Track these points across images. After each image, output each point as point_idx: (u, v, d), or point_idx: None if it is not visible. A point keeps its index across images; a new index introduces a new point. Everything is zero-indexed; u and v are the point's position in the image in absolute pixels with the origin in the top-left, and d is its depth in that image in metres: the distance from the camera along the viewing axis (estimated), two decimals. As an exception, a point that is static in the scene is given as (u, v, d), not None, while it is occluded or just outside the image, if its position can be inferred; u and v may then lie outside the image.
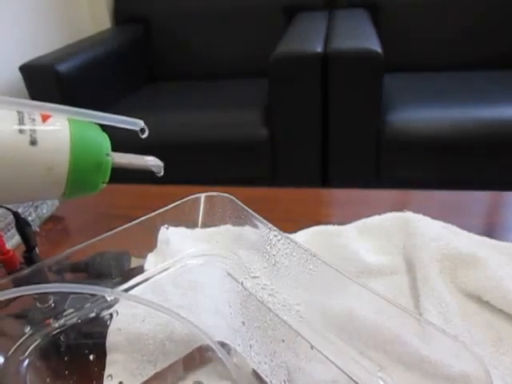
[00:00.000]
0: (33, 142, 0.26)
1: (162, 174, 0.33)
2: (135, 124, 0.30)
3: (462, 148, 1.25)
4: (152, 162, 0.32)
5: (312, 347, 0.29)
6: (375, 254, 0.45)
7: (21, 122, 0.26)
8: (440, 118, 1.27)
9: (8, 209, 0.38)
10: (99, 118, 0.29)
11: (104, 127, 0.30)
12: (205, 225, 0.38)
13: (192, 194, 0.38)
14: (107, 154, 0.29)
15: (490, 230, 0.48)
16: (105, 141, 0.30)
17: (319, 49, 1.25)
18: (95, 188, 0.30)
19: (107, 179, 0.30)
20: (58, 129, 0.27)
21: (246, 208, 0.34)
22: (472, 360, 0.23)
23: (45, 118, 0.27)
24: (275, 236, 0.32)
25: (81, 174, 0.28)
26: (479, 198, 0.56)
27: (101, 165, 0.29)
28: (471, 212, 0.53)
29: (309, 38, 1.37)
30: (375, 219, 0.49)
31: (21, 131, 0.26)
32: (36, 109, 0.27)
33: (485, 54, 1.62)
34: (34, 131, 0.26)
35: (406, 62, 1.66)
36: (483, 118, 1.24)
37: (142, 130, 0.31)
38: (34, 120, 0.27)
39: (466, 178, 1.28)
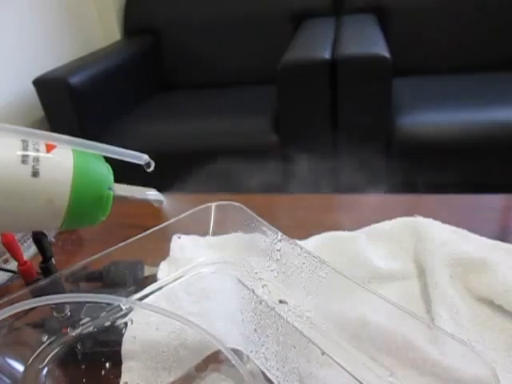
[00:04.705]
0: (35, 174, 0.26)
1: (162, 204, 0.32)
2: (140, 158, 0.30)
3: (473, 151, 1.24)
4: (153, 196, 0.32)
5: (323, 353, 0.29)
6: (386, 259, 0.45)
7: (24, 151, 0.26)
8: (450, 121, 1.26)
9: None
10: (104, 151, 0.28)
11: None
12: (216, 233, 0.38)
13: (203, 202, 0.38)
14: (109, 188, 0.29)
15: (503, 234, 0.48)
16: (108, 173, 0.29)
17: (327, 55, 1.25)
18: (94, 221, 0.29)
19: (108, 213, 0.29)
20: (61, 160, 0.27)
21: (256, 216, 0.35)
22: (482, 365, 0.23)
23: (49, 149, 0.27)
24: (285, 244, 0.33)
25: (81, 207, 0.27)
26: (491, 202, 0.55)
27: (101, 198, 0.28)
28: (483, 216, 0.53)
29: (317, 44, 1.38)
30: (385, 224, 0.49)
31: (23, 162, 0.25)
32: (41, 138, 0.27)
33: (495, 55, 1.60)
34: (37, 162, 0.26)
35: (415, 66, 1.65)
36: (494, 120, 1.23)
37: (148, 164, 0.30)
38: (37, 150, 0.26)
39: (478, 181, 1.26)
